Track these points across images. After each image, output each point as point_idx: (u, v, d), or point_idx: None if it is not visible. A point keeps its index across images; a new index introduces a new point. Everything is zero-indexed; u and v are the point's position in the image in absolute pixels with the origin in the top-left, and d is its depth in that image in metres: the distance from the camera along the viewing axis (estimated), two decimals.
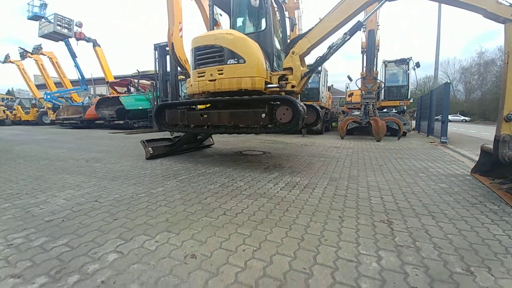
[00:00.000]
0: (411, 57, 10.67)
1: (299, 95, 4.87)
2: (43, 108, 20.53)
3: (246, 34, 4.41)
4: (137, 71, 17.67)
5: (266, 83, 4.27)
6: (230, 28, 4.97)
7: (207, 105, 4.84)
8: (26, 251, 1.69)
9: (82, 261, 1.57)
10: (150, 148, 4.98)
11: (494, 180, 3.48)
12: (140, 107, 15.49)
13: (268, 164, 4.59)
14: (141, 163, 4.61)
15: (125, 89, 19.09)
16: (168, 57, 14.03)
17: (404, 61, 10.82)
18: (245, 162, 4.83)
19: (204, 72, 4.39)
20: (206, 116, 4.48)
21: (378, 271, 1.49)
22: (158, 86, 15.12)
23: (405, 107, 11.22)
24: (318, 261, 1.58)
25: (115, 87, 19.37)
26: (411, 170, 4.19)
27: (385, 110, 11.84)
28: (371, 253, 1.68)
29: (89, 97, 19.17)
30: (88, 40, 17.95)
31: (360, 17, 4.39)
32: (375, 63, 9.39)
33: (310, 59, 4.71)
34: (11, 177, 3.65)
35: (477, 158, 5.52)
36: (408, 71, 10.73)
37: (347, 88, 13.57)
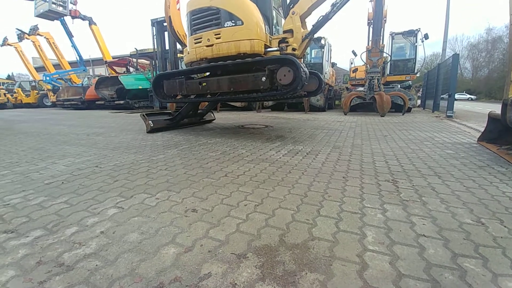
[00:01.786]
0: (419, 29, 10.19)
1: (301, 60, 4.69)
2: (43, 90, 20.35)
3: None
4: (135, 50, 17.24)
5: (266, 46, 4.10)
6: None
7: (206, 74, 4.69)
8: (23, 209, 1.67)
9: (81, 216, 1.54)
10: (150, 122, 4.90)
11: (502, 147, 3.39)
12: (140, 87, 15.24)
13: (270, 135, 4.51)
14: (142, 136, 4.56)
15: (124, 69, 18.74)
16: (166, 33, 13.59)
17: (412, 33, 10.34)
18: (247, 133, 4.75)
19: (201, 38, 4.22)
20: (205, 84, 4.32)
21: (383, 221, 1.44)
22: (157, 65, 14.81)
23: (410, 82, 10.88)
24: (322, 214, 1.54)
25: (114, 67, 19.02)
26: (416, 140, 4.10)
27: (390, 85, 11.53)
28: (376, 206, 1.64)
29: (88, 77, 18.89)
30: (83, 18, 17.39)
31: None
32: (381, 35, 8.97)
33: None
34: (11, 149, 3.62)
35: (482, 129, 5.43)
36: (416, 44, 10.29)
37: (351, 63, 13.14)
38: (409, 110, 9.99)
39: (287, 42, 4.21)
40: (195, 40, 4.28)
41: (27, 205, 1.72)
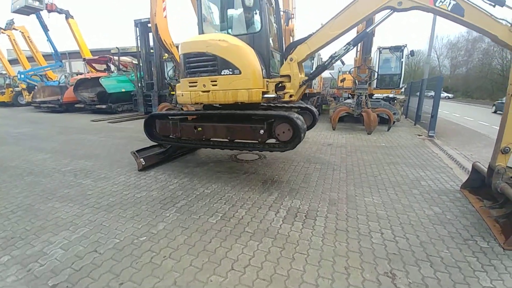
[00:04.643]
0: (406, 45, 10.47)
1: None
2: (18, 87, 19.09)
3: (238, 36, 4.13)
4: (116, 49, 16.44)
5: (263, 93, 4.08)
6: (220, 25, 4.63)
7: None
8: None
9: None
10: (141, 160, 4.80)
11: (484, 202, 3.65)
12: (123, 90, 14.68)
13: (265, 178, 4.57)
14: (134, 179, 4.45)
15: (104, 66, 17.89)
16: (151, 34, 13.07)
17: (398, 49, 10.62)
18: (241, 173, 4.78)
19: (196, 82, 4.13)
20: (200, 129, 4.31)
21: None
22: (141, 66, 14.25)
23: (396, 97, 11.26)
24: None
25: (93, 65, 18.10)
26: (404, 185, 4.30)
27: (374, 96, 11.83)
28: None
29: (65, 75, 17.87)
30: (60, 11, 16.32)
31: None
32: (370, 51, 9.14)
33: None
34: None
35: (463, 160, 5.79)
36: (402, 59, 10.61)
37: (339, 72, 13.32)
38: (393, 123, 10.33)
39: (284, 87, 4.23)
40: (189, 83, 4.18)
41: None
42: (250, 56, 3.89)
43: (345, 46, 3.92)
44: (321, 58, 12.07)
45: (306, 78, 4.21)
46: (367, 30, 4.05)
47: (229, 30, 4.42)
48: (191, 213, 3.31)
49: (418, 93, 10.84)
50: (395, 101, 10.78)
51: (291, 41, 5.77)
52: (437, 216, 3.31)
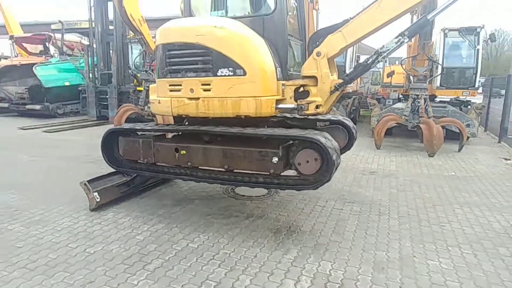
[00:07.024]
0: (483, 26, 10.68)
1: None
2: None
3: (241, 19, 4.26)
4: (60, 23, 16.88)
5: (278, 101, 4.21)
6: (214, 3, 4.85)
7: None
8: None
9: None
10: (96, 194, 4.84)
11: None
12: (67, 83, 14.94)
13: (278, 225, 4.60)
14: (84, 223, 4.50)
15: (41, 47, 18.29)
16: (111, 3, 13.47)
17: (472, 31, 10.83)
18: (243, 217, 4.82)
19: (181, 85, 4.26)
20: (184, 152, 4.40)
21: None
22: (95, 48, 14.58)
23: (470, 100, 11.36)
24: None
25: (24, 45, 18.51)
26: (487, 240, 4.25)
27: (438, 99, 11.94)
28: None
29: None
30: None
31: None
32: (431, 37, 9.35)
33: None
34: None
35: None
36: (478, 47, 10.79)
37: (386, 62, 13.53)
38: (468, 139, 10.36)
39: (308, 93, 4.29)
40: (170, 85, 4.32)
41: None
42: (259, 50, 4.05)
43: (397, 37, 4.04)
44: (358, 56, 12.41)
45: (341, 81, 4.25)
46: (429, 17, 4.15)
47: (229, 11, 4.63)
48: (170, 280, 3.31)
49: (503, 95, 10.94)
50: (469, 107, 10.87)
51: (316, 24, 5.88)
52: None
